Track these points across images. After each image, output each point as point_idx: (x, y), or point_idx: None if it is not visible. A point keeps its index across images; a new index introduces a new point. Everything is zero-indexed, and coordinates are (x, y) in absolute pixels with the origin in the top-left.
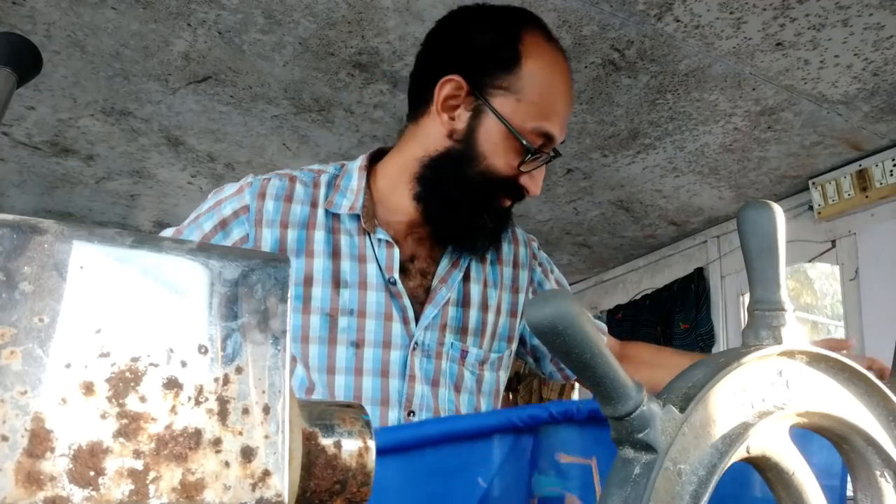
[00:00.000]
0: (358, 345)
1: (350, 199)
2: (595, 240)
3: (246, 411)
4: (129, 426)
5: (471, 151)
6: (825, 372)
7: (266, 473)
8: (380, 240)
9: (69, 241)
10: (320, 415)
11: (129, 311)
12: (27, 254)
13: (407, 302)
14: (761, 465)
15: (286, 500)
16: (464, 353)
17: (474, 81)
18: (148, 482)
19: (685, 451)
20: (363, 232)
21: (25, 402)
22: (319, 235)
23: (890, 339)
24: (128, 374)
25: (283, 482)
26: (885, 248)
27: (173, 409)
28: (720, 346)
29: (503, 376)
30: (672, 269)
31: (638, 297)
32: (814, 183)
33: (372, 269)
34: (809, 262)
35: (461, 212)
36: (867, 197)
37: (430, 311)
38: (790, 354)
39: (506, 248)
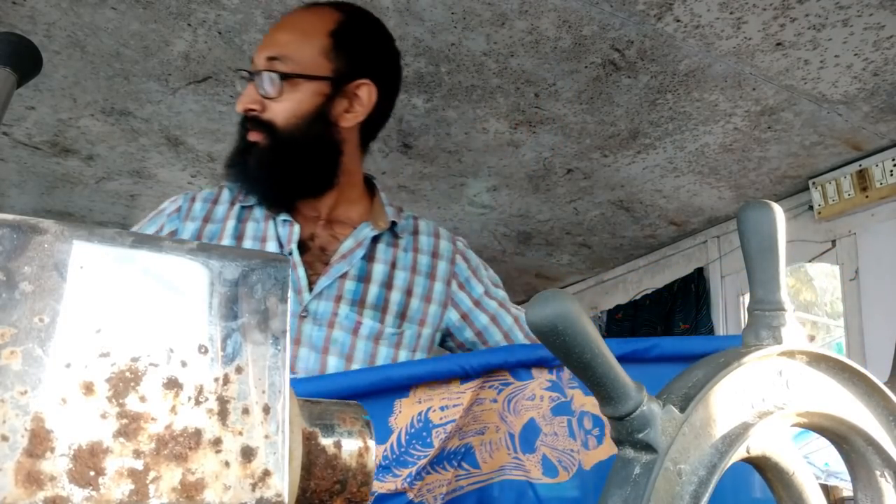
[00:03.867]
0: None
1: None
2: (595, 240)
3: (246, 411)
4: (129, 426)
5: None
6: (825, 372)
7: (266, 473)
8: (283, 220)
9: (69, 241)
10: (320, 415)
11: (129, 311)
12: (27, 254)
13: (301, 272)
14: (761, 465)
15: (286, 500)
16: (357, 325)
17: None
18: (148, 482)
19: (685, 451)
20: (268, 217)
21: (25, 402)
22: (230, 224)
23: (890, 339)
24: (128, 374)
25: (283, 482)
26: (885, 248)
27: (173, 409)
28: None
29: (403, 355)
30: (672, 269)
31: (638, 297)
32: (814, 183)
33: (271, 246)
34: (809, 262)
35: (232, 155)
36: (867, 197)
37: (323, 282)
38: (790, 354)
39: (425, 240)
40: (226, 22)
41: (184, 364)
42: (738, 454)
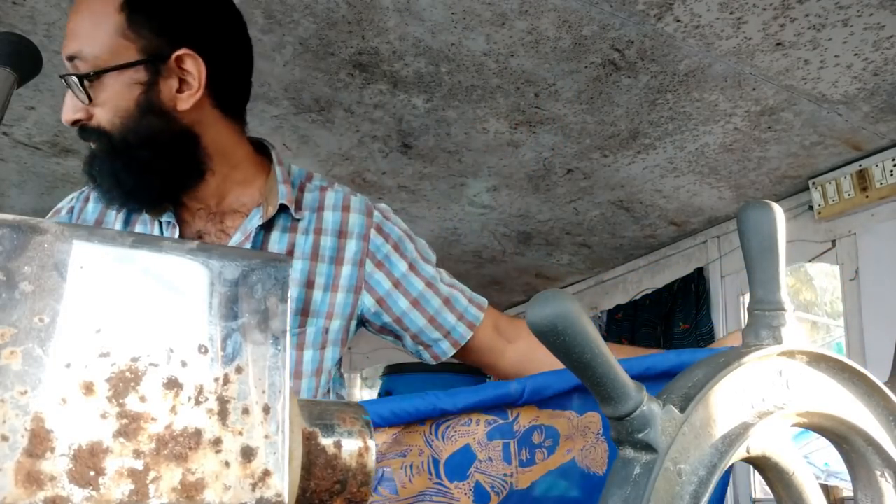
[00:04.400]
0: None
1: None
2: (595, 240)
3: (246, 411)
4: (129, 426)
5: None
6: (825, 372)
7: (266, 473)
8: (167, 222)
9: (69, 241)
10: (320, 415)
11: (129, 311)
12: (27, 254)
13: None
14: (761, 465)
15: (286, 500)
16: None
17: None
18: (148, 482)
19: (685, 451)
20: (154, 219)
21: (25, 402)
22: (117, 228)
23: (890, 339)
24: (128, 374)
25: (283, 482)
26: (885, 248)
27: (173, 409)
28: None
29: (308, 356)
30: (672, 269)
31: (638, 297)
32: (814, 183)
33: None
34: (809, 262)
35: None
36: (867, 197)
37: None
38: (790, 354)
39: (330, 217)
40: None
41: (184, 364)
42: (738, 454)
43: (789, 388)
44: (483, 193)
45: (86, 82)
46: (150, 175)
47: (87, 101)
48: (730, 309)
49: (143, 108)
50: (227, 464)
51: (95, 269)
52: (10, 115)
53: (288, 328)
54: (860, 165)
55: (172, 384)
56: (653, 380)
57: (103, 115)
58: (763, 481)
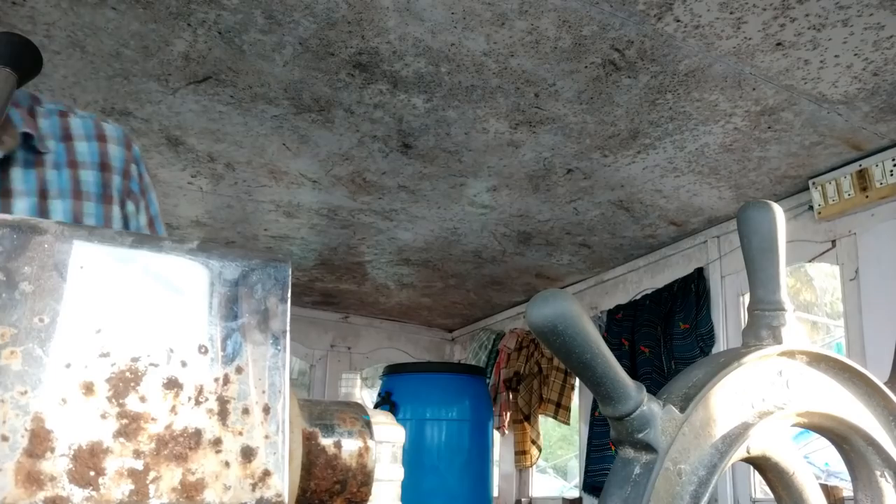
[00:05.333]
0: None
1: None
2: (595, 240)
3: (246, 411)
4: (129, 426)
5: None
6: (825, 372)
7: (266, 473)
8: None
9: (69, 241)
10: (320, 415)
11: (129, 311)
12: (27, 254)
13: None
14: (761, 465)
15: (286, 500)
16: None
17: None
18: (148, 482)
19: (685, 451)
20: None
21: (25, 402)
22: None
23: (890, 339)
24: (128, 374)
25: (283, 482)
26: (885, 248)
27: (173, 409)
28: (720, 346)
29: None
30: (672, 269)
31: (638, 297)
32: (814, 183)
33: None
34: (809, 262)
35: None
36: (867, 197)
37: None
38: (790, 354)
39: (83, 148)
40: (226, 22)
41: (184, 364)
42: (738, 454)
43: (789, 388)
44: (483, 193)
45: None
46: None
47: None
48: (730, 309)
49: None
50: (227, 464)
51: (95, 269)
52: None
53: (287, 328)
54: (860, 165)
55: (172, 384)
56: None
57: None
58: (763, 481)
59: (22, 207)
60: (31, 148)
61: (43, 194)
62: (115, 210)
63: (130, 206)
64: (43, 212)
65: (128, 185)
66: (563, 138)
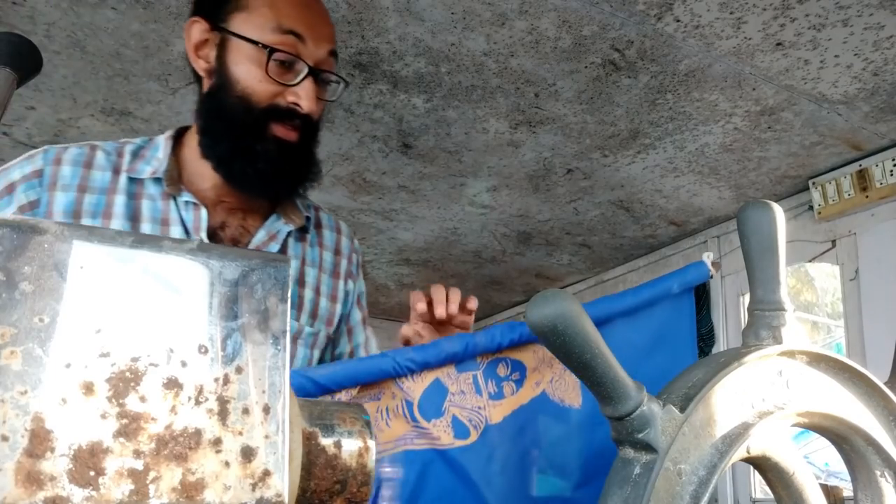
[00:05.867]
0: None
1: (154, 165)
2: (595, 240)
3: (246, 411)
4: (129, 426)
5: (225, 81)
6: (825, 372)
7: (266, 473)
8: (186, 202)
9: (69, 241)
10: (320, 415)
11: (129, 311)
12: (27, 254)
13: None
14: (761, 465)
15: (286, 500)
16: None
17: (212, 16)
18: (148, 482)
19: (685, 451)
20: (167, 196)
21: (25, 402)
22: (119, 200)
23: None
24: (128, 374)
25: (283, 482)
26: (885, 248)
27: (173, 409)
28: (720, 346)
29: (317, 355)
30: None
31: None
32: (814, 183)
33: (175, 231)
34: (809, 262)
35: (235, 148)
36: (867, 197)
37: None
38: (790, 354)
39: (328, 235)
40: None
41: (184, 364)
42: (738, 454)
43: (789, 388)
44: (483, 193)
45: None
46: (313, 162)
47: (335, 96)
48: (730, 309)
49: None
50: (227, 464)
51: (95, 269)
52: (10, 115)
53: (288, 328)
54: (860, 165)
55: (172, 384)
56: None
57: (319, 109)
58: (763, 481)
59: (292, 266)
60: (302, 228)
61: (302, 261)
62: (340, 283)
63: (350, 284)
64: (301, 274)
65: (349, 268)
66: (563, 138)
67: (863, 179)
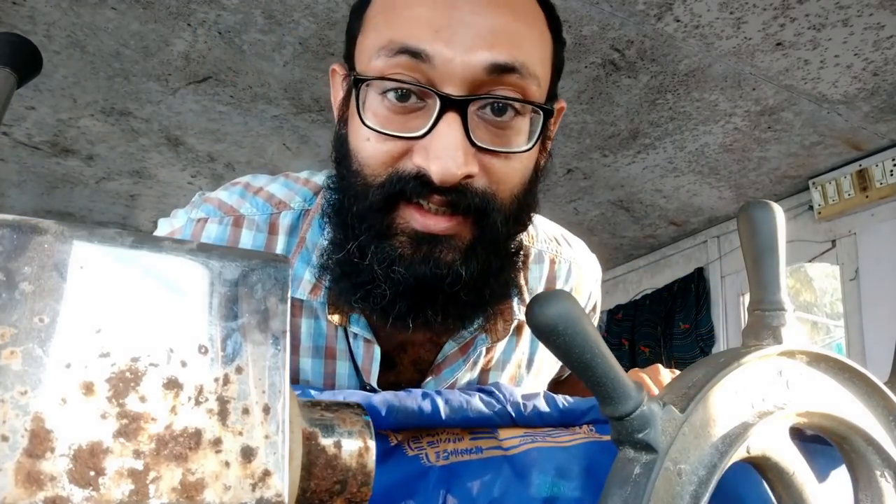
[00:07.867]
0: None
1: (313, 272)
2: (595, 240)
3: (246, 411)
4: (129, 426)
5: (345, 149)
6: (825, 372)
7: (266, 473)
8: (355, 334)
9: (69, 241)
10: (320, 415)
11: (129, 311)
12: (27, 254)
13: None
14: (761, 465)
15: (286, 500)
16: None
17: (350, 61)
18: (148, 482)
19: (685, 451)
20: (332, 314)
21: (25, 402)
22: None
23: (890, 339)
24: (128, 374)
25: (283, 482)
26: (885, 248)
27: (173, 409)
28: (720, 346)
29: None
30: (672, 269)
31: (638, 297)
32: (814, 183)
33: (343, 369)
34: (809, 262)
35: (345, 261)
36: (867, 197)
37: None
38: (790, 354)
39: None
40: (226, 22)
41: (184, 364)
42: (738, 454)
43: (789, 388)
44: None
45: (537, 119)
46: (506, 278)
47: (528, 146)
48: (730, 309)
49: (535, 180)
50: (227, 464)
51: (95, 269)
52: (10, 115)
53: (288, 328)
54: (860, 165)
55: (172, 384)
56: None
57: (508, 179)
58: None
59: (505, 377)
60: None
61: (517, 364)
62: (538, 379)
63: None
64: (518, 379)
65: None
66: (563, 138)
67: (863, 179)
